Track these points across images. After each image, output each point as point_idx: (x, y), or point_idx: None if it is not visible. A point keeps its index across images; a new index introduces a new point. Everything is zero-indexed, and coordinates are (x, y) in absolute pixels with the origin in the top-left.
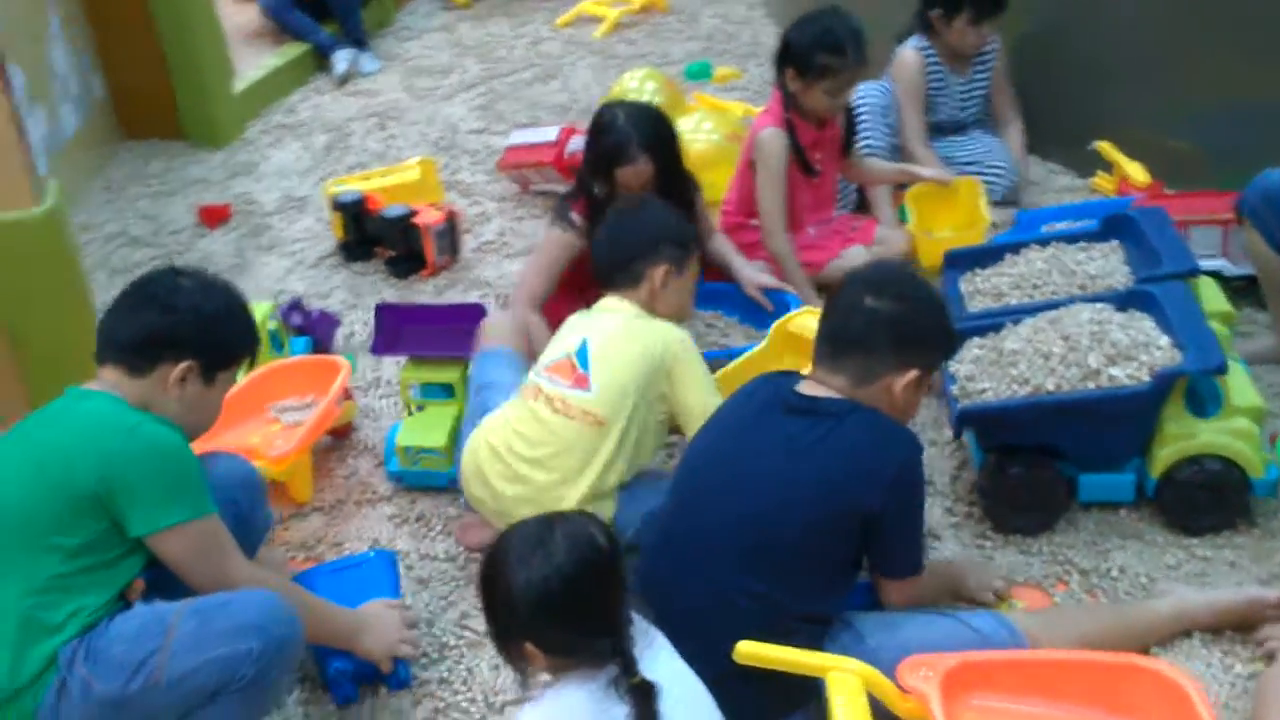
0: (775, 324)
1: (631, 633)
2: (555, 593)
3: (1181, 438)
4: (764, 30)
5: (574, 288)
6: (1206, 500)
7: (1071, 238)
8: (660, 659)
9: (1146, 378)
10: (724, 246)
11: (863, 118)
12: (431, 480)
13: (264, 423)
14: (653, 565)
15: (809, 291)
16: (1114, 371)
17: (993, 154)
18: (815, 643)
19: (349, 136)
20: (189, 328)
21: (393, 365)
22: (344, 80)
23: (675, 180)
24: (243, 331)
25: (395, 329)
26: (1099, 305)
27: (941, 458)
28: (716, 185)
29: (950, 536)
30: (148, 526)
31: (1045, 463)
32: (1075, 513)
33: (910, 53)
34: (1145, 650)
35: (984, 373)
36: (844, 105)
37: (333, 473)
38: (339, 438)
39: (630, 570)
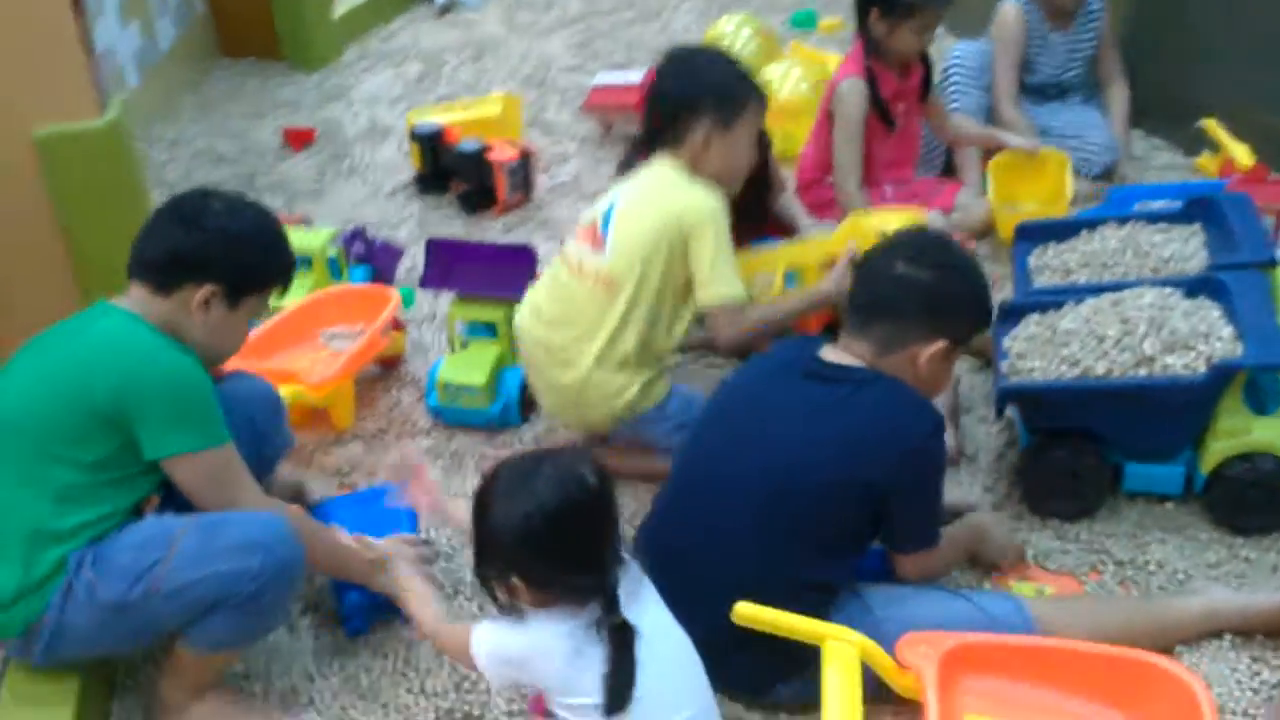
0: (853, 214)
1: (619, 574)
2: (538, 527)
3: (1235, 433)
4: None
5: None
6: (1256, 499)
7: (1152, 218)
8: (647, 608)
9: (1203, 368)
10: (792, 206)
11: (955, 78)
12: (470, 418)
13: (313, 348)
14: (660, 522)
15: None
16: (1169, 360)
17: (1093, 127)
18: (819, 611)
19: (442, 67)
20: (213, 249)
21: (448, 300)
22: (445, 10)
23: (747, 212)
24: (271, 257)
25: (446, 264)
26: (1165, 289)
27: (989, 435)
28: (797, 137)
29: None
30: (158, 451)
31: (1089, 448)
32: (1119, 502)
33: (1010, 6)
34: (1170, 649)
35: (1036, 351)
36: (929, 44)
37: (376, 402)
38: (388, 368)
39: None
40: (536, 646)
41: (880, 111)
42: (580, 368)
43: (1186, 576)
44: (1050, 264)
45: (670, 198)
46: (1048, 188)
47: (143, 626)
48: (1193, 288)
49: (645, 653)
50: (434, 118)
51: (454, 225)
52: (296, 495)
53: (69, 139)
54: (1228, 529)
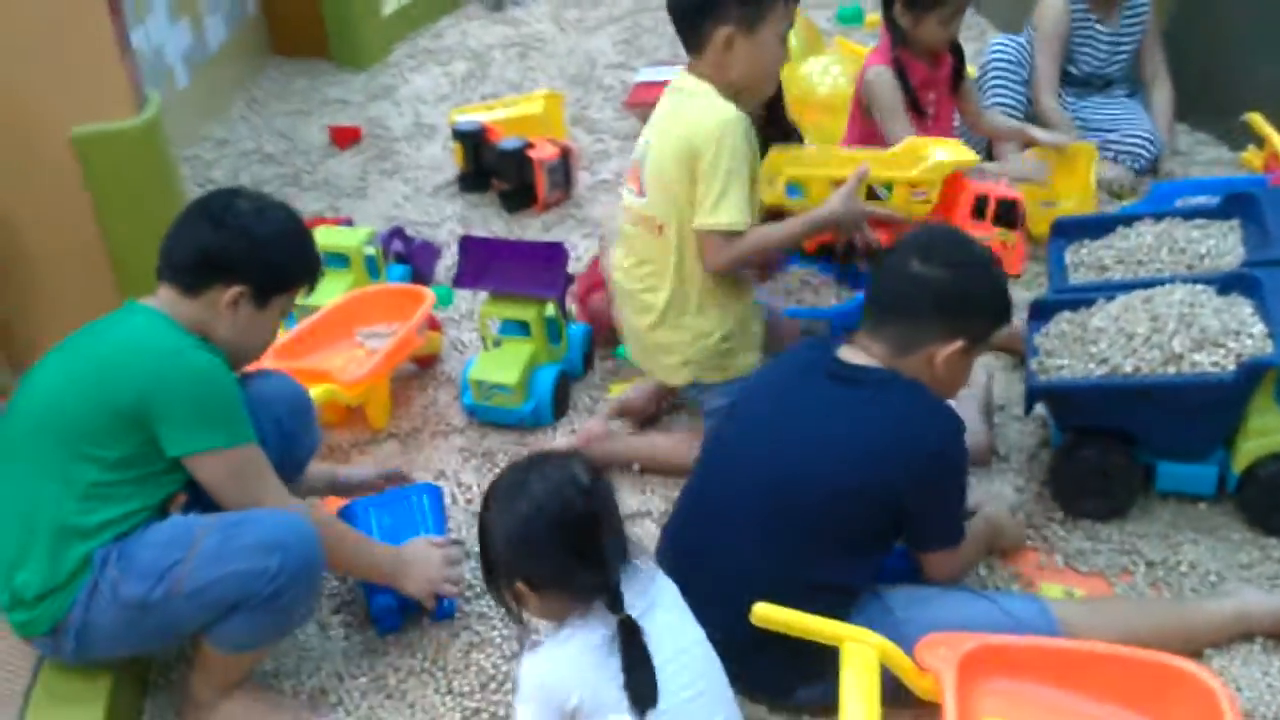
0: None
1: (623, 571)
2: (534, 528)
3: (1267, 433)
4: None
5: None
6: None
7: (1189, 214)
8: (660, 610)
9: (1232, 366)
10: None
11: (993, 72)
12: (503, 417)
13: (349, 346)
14: (680, 524)
15: None
16: (1198, 357)
17: (1135, 122)
18: (839, 613)
19: (489, 65)
20: (241, 250)
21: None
22: (495, 8)
23: (771, 125)
24: (298, 256)
25: (480, 263)
26: (1197, 286)
27: (1022, 434)
28: (835, 132)
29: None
30: (182, 449)
31: (1120, 448)
32: (1151, 502)
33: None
34: (1199, 652)
35: (1066, 348)
36: (956, 34)
37: (412, 401)
38: (424, 367)
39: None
40: (561, 663)
41: (911, 100)
42: (654, 312)
43: (1219, 578)
44: (1085, 260)
45: (683, 121)
46: (1081, 183)
47: (166, 626)
48: (1226, 284)
49: (662, 656)
50: (476, 116)
51: (495, 223)
52: (331, 488)
53: (106, 138)
54: (1261, 530)
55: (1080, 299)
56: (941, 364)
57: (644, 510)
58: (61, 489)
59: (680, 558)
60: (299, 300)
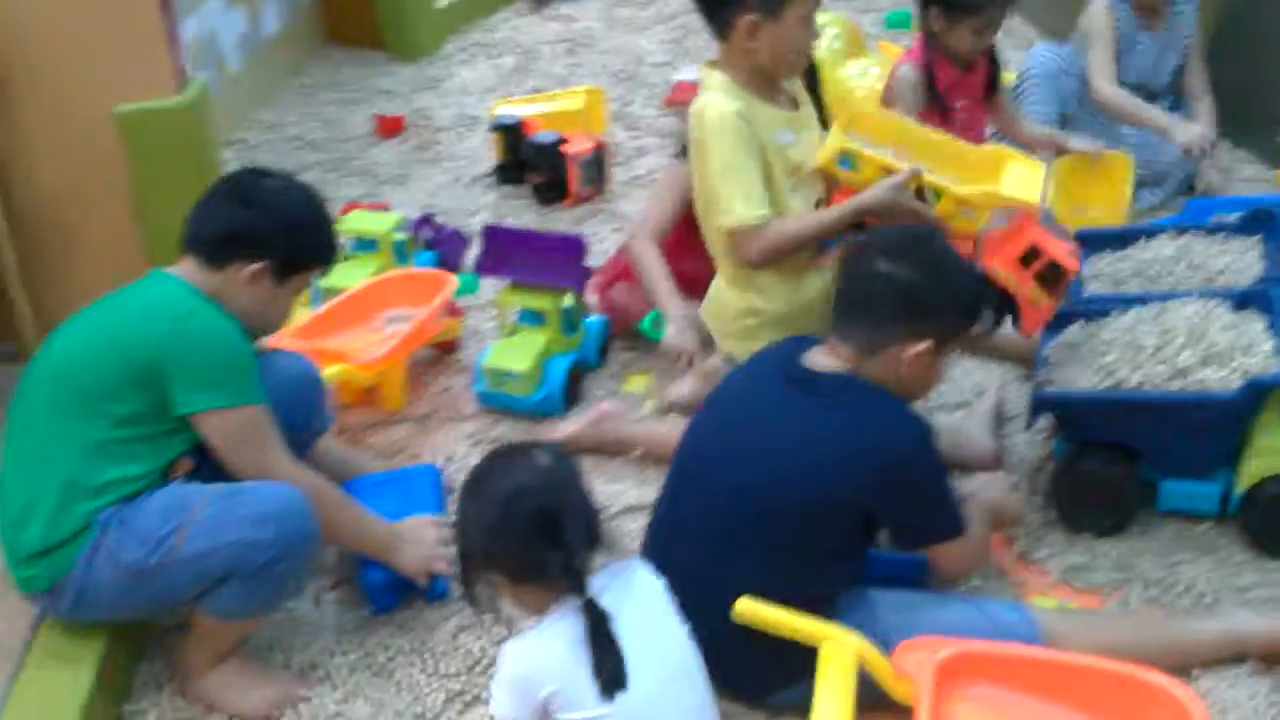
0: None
1: (594, 556)
2: (497, 511)
3: (1272, 452)
4: None
5: (696, 225)
6: None
7: (1212, 229)
8: (637, 596)
9: (1238, 383)
10: None
11: (1032, 81)
12: (513, 404)
13: (372, 329)
14: (657, 521)
15: None
16: (1204, 373)
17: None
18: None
19: (536, 60)
20: (264, 227)
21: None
22: (546, 4)
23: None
24: (318, 236)
25: (501, 251)
26: (1211, 301)
27: (1030, 445)
28: None
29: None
30: (189, 406)
31: (1121, 462)
32: (1154, 520)
33: (1100, 2)
34: (1188, 670)
35: (1074, 359)
36: (990, 45)
37: (428, 386)
38: (444, 352)
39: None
40: (537, 652)
41: (936, 104)
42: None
43: (1215, 599)
44: (1103, 272)
45: (693, 108)
46: (1115, 191)
47: (161, 592)
48: (1241, 300)
49: (634, 644)
50: (517, 110)
51: (527, 215)
52: (344, 471)
53: (147, 115)
54: (1262, 552)
55: (1094, 311)
56: (910, 364)
57: (642, 504)
58: (71, 444)
59: (659, 558)
60: (326, 283)
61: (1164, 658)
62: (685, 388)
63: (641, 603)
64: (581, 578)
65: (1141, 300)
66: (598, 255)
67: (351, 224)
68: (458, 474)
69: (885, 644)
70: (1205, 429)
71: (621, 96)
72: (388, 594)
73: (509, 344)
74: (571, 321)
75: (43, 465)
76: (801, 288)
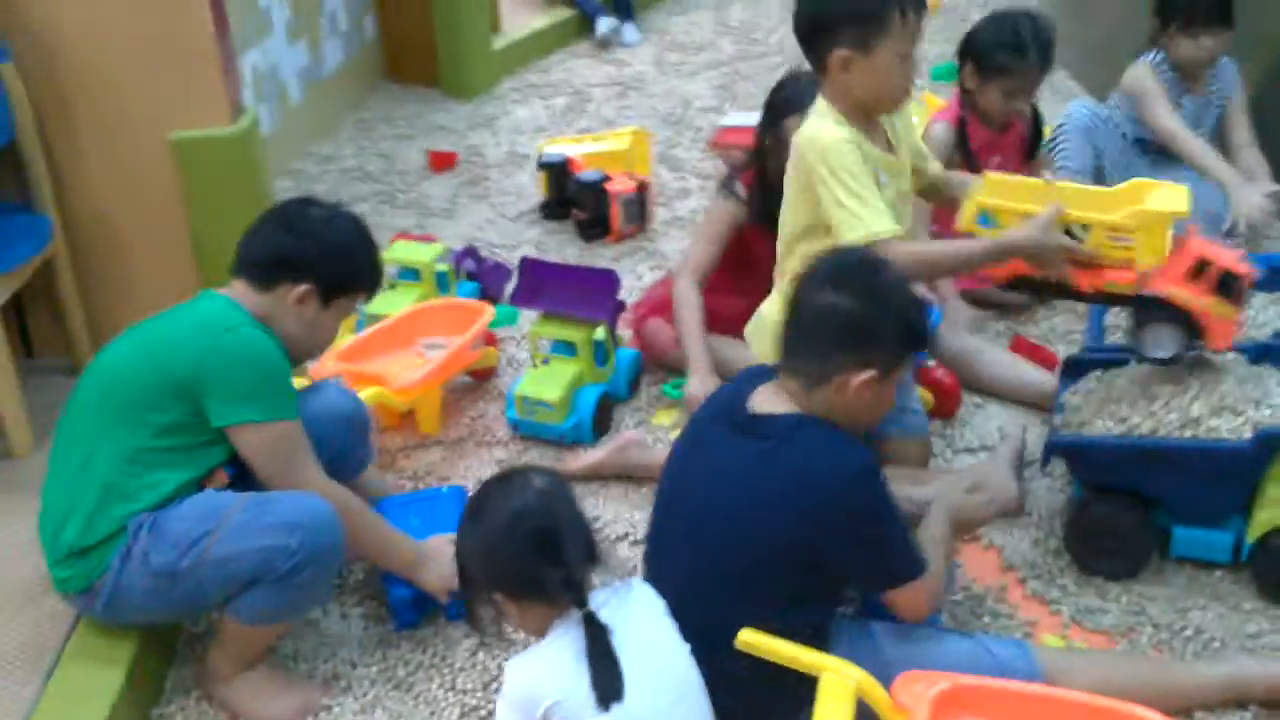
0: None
1: (593, 573)
2: (497, 534)
3: None
4: None
5: (738, 264)
6: None
7: None
8: (636, 612)
9: (1248, 434)
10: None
11: (1064, 136)
12: (544, 432)
13: (411, 355)
14: (647, 554)
15: (958, 304)
16: (1215, 423)
17: (1208, 194)
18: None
19: (588, 102)
20: (308, 252)
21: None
22: (603, 45)
23: None
24: (362, 263)
25: (536, 283)
26: (1229, 354)
27: (1051, 490)
28: None
29: (1024, 566)
30: (225, 419)
31: (1133, 508)
32: (1167, 565)
33: (1143, 64)
34: (1188, 713)
35: (1090, 406)
36: (1023, 109)
37: (464, 412)
38: (480, 379)
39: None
40: (536, 668)
41: (968, 162)
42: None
43: (1222, 645)
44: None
45: (803, 133)
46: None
47: (191, 595)
48: (1258, 354)
49: (633, 658)
50: (564, 148)
51: (569, 250)
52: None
53: (201, 143)
54: (1272, 600)
55: (1112, 359)
56: (856, 393)
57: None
58: (113, 451)
59: (654, 585)
60: (370, 309)
61: (1164, 699)
62: (704, 391)
63: (641, 619)
64: (582, 592)
65: None
66: (636, 291)
67: (396, 254)
68: None
69: (885, 676)
70: (1216, 478)
71: (668, 139)
72: (411, 610)
73: (541, 373)
74: (603, 353)
75: (85, 470)
76: None
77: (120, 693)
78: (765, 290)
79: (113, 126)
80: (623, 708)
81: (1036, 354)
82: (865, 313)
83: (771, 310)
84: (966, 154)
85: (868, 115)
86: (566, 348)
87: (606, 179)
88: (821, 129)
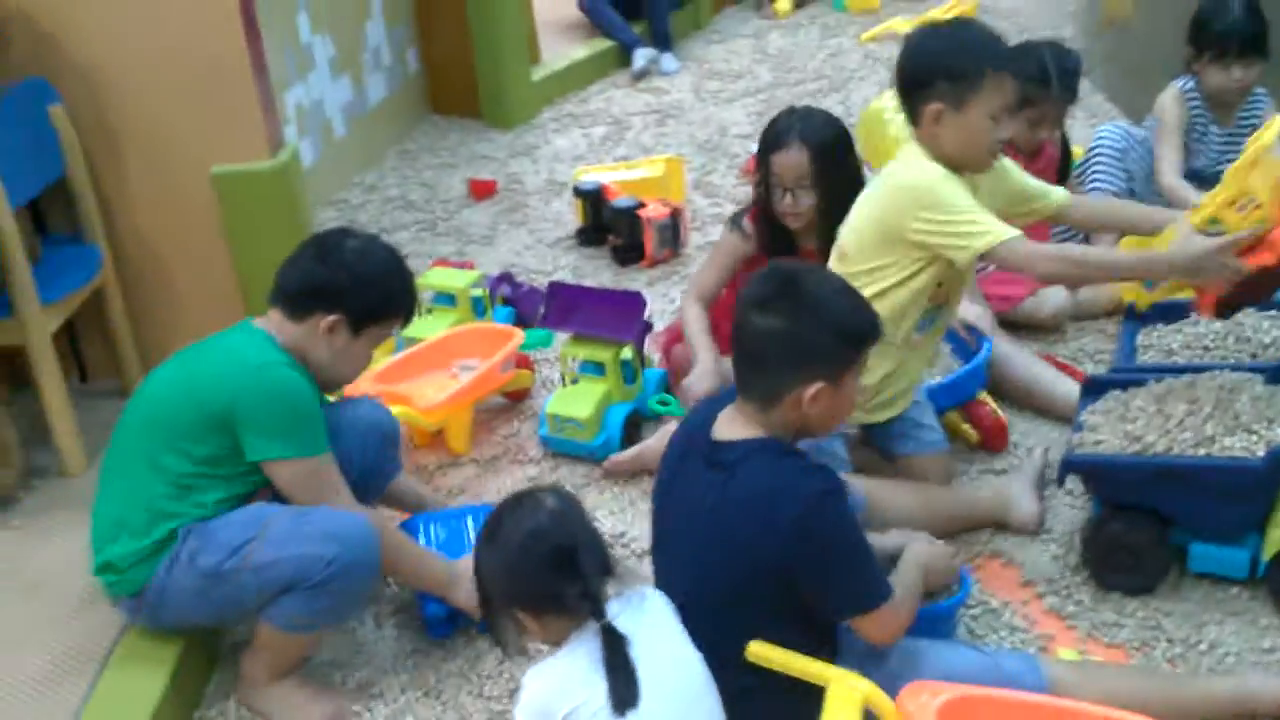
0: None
1: (608, 586)
2: (516, 555)
3: None
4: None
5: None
6: None
7: (1263, 306)
8: (652, 622)
9: (1261, 453)
10: None
11: (1097, 159)
12: (574, 449)
13: (442, 376)
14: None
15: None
16: (1228, 441)
17: None
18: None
19: (626, 130)
20: (339, 282)
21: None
22: (640, 77)
23: (835, 182)
24: (394, 292)
25: (565, 306)
26: (1245, 374)
27: (1071, 508)
28: None
29: (1042, 582)
30: (259, 454)
31: (1150, 525)
32: (1185, 581)
33: (1172, 93)
34: None
35: (1107, 425)
36: (1046, 138)
37: (497, 431)
38: (514, 400)
39: None
40: (552, 677)
41: None
42: None
43: (1237, 660)
44: (1155, 344)
45: (888, 172)
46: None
47: (231, 598)
48: (1275, 375)
49: (649, 666)
50: (599, 176)
51: (604, 275)
52: (418, 507)
53: (241, 177)
54: None
55: (1131, 380)
56: (809, 406)
57: None
58: (155, 476)
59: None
60: (407, 333)
61: (1171, 713)
62: (703, 384)
63: (655, 627)
64: (600, 603)
65: (1179, 371)
66: (668, 315)
67: (432, 280)
68: None
69: (892, 687)
70: (1230, 496)
71: (704, 165)
72: (445, 625)
73: (571, 392)
74: (630, 372)
75: (131, 491)
76: (884, 362)
77: (164, 695)
78: None
79: (158, 162)
80: (638, 714)
81: (1066, 374)
82: (796, 329)
83: None
84: None
85: (955, 172)
86: (595, 367)
87: (640, 205)
88: (923, 169)
